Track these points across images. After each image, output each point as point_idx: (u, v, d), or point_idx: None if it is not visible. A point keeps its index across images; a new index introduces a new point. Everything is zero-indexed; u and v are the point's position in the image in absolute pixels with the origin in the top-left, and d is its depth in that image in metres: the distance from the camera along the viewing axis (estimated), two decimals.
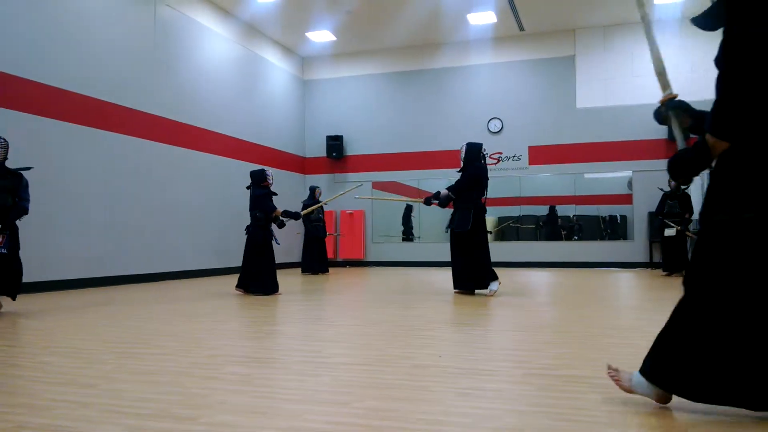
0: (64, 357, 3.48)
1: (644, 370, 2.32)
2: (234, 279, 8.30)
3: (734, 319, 2.11)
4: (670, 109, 2.62)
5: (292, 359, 3.43)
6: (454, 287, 7.10)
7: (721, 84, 2.21)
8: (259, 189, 7.38)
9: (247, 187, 7.55)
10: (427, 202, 7.34)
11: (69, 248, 8.37)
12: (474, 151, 7.11)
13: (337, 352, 3.60)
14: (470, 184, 6.96)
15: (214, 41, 12.00)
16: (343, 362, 3.30)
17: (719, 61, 2.22)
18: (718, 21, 2.27)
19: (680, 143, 2.49)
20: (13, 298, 5.74)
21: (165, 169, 10.40)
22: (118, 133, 9.40)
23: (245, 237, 7.46)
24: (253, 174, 7.52)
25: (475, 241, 6.84)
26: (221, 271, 11.59)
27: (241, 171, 12.17)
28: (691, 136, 2.53)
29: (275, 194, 7.56)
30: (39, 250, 7.87)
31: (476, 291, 6.99)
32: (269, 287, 7.21)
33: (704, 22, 2.36)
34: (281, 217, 7.37)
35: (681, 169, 2.39)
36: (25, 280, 7.58)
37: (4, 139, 5.57)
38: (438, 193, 7.21)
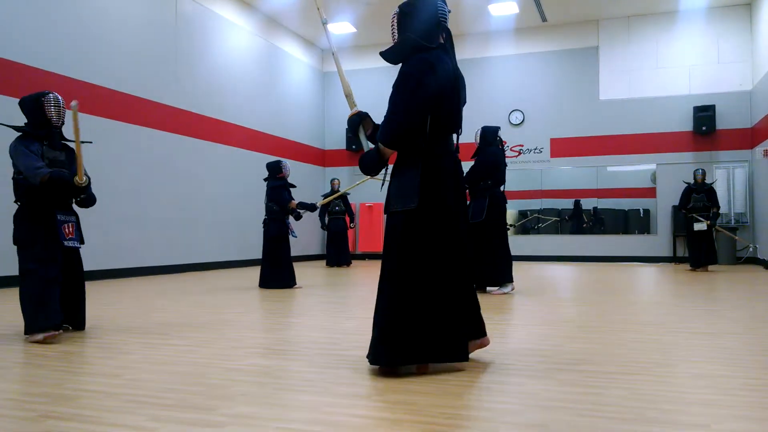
0: (88, 347, 3.53)
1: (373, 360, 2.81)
2: (256, 271, 8.33)
3: (425, 285, 2.77)
4: (357, 120, 3.10)
5: (312, 351, 3.43)
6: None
7: (389, 105, 2.83)
8: (276, 180, 7.35)
9: (265, 179, 7.53)
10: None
11: (92, 240, 8.47)
12: (490, 134, 6.63)
13: (357, 345, 3.60)
14: (485, 171, 6.44)
15: (235, 34, 12.04)
16: (363, 355, 3.29)
17: (393, 87, 2.83)
18: (398, 58, 2.91)
19: (365, 146, 3.05)
20: (82, 328, 4.13)
21: (187, 162, 10.47)
22: (140, 125, 9.48)
23: (263, 231, 7.43)
24: (269, 165, 7.49)
25: (490, 234, 6.30)
26: (242, 263, 11.66)
27: (261, 163, 12.18)
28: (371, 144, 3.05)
29: (293, 186, 7.52)
30: None
31: (487, 289, 6.39)
32: (286, 281, 7.18)
33: (390, 57, 2.94)
34: (297, 209, 7.31)
35: (366, 166, 2.94)
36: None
37: (57, 96, 4.07)
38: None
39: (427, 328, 2.76)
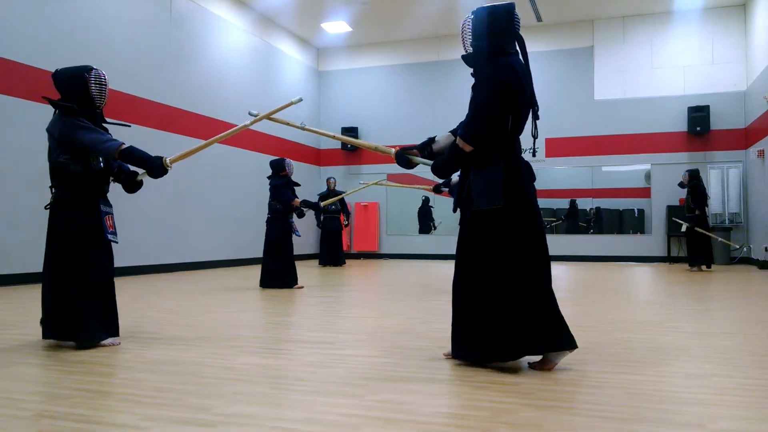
0: (82, 347, 3.51)
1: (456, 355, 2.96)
2: (251, 270, 8.31)
3: (506, 284, 2.80)
4: (404, 155, 3.34)
5: (306, 351, 3.43)
6: None
7: (471, 106, 2.91)
8: (278, 179, 7.26)
9: (268, 177, 7.46)
10: (437, 189, 6.92)
11: None
12: None
13: (351, 344, 3.60)
14: None
15: (230, 32, 12.01)
16: (357, 354, 3.29)
17: (473, 89, 2.93)
18: (479, 62, 2.95)
19: (427, 162, 3.25)
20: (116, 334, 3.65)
21: (181, 161, 10.42)
22: (135, 124, 9.45)
23: (265, 229, 7.33)
24: (272, 163, 7.40)
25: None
26: (239, 262, 11.64)
27: (257, 162, 12.20)
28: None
29: (298, 184, 7.46)
30: None
31: None
32: (286, 280, 7.12)
33: (472, 61, 3.00)
34: (300, 207, 7.24)
35: (445, 168, 3.10)
36: (38, 269, 7.68)
37: (102, 74, 3.79)
38: (448, 181, 6.58)
39: (513, 325, 2.79)
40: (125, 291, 6.89)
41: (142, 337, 3.80)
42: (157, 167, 3.64)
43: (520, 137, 3.16)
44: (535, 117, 3.05)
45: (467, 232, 2.96)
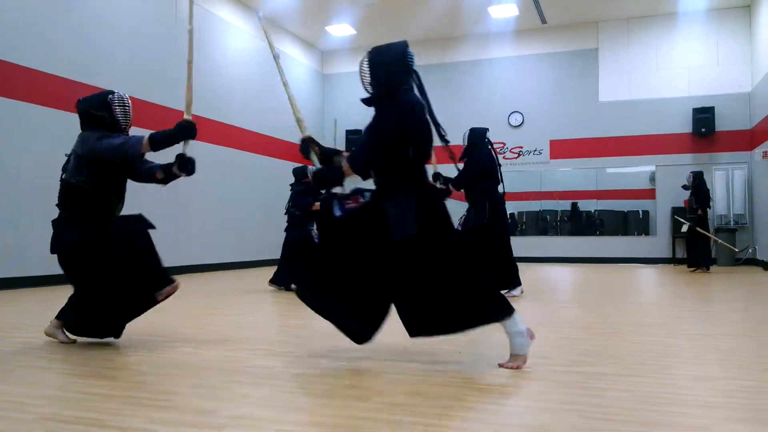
0: (89, 349, 3.52)
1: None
2: (256, 272, 8.32)
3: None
4: (307, 145, 3.44)
5: (314, 353, 3.43)
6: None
7: (366, 138, 3.10)
8: (300, 185, 7.22)
9: (291, 185, 7.45)
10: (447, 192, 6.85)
11: None
12: (478, 135, 6.44)
13: (357, 347, 3.60)
14: (477, 176, 6.26)
15: (235, 36, 12.05)
16: (363, 356, 3.30)
17: (371, 124, 3.11)
18: (377, 101, 3.12)
19: (317, 164, 3.37)
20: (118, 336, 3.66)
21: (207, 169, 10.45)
22: (140, 127, 9.47)
23: (272, 233, 7.33)
24: (295, 171, 7.40)
25: (492, 238, 6.17)
26: (243, 264, 11.65)
27: (262, 165, 12.23)
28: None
29: (321, 192, 7.45)
30: None
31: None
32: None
33: (370, 102, 3.17)
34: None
35: (324, 182, 3.33)
36: (45, 272, 7.72)
37: (125, 96, 3.95)
38: (448, 189, 6.32)
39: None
40: None
41: (148, 340, 3.81)
42: (188, 129, 3.65)
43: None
44: (444, 142, 3.23)
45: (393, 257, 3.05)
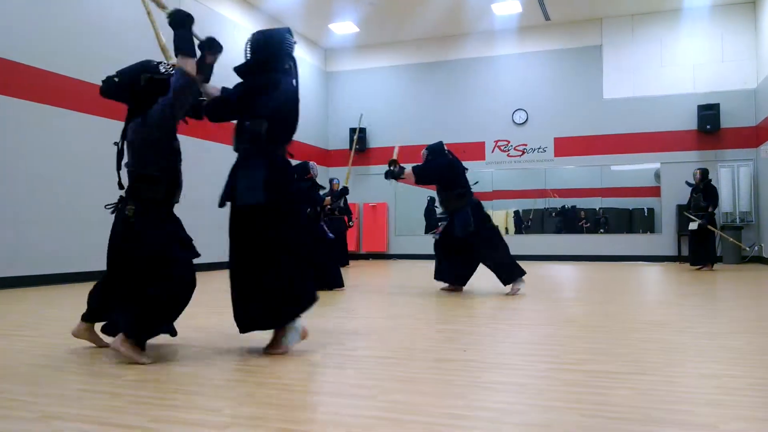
0: (92, 347, 3.52)
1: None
2: None
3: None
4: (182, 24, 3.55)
5: (316, 352, 3.43)
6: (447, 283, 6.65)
7: (231, 90, 3.55)
8: (305, 182, 7.15)
9: None
10: (388, 174, 6.70)
11: (95, 239, 8.48)
12: (437, 149, 6.60)
13: (360, 345, 3.60)
14: (439, 172, 6.46)
15: (238, 34, 12.04)
16: (366, 355, 3.29)
17: (241, 85, 3.53)
18: (250, 72, 3.62)
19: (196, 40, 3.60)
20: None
21: (192, 162, 10.44)
22: None
23: None
24: (296, 168, 7.33)
25: (486, 240, 6.30)
26: None
27: None
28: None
29: (322, 187, 7.43)
30: (65, 242, 8.01)
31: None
32: (331, 281, 6.98)
33: (243, 69, 3.60)
34: (333, 204, 7.22)
35: (182, 39, 3.53)
36: (48, 271, 7.74)
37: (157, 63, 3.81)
38: (402, 169, 6.61)
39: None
40: None
41: (151, 339, 3.81)
42: (181, 19, 3.60)
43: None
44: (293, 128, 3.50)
45: (234, 226, 3.37)
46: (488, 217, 6.54)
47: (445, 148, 6.67)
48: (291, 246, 3.27)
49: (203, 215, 10.77)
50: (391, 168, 6.65)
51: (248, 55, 3.54)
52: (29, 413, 2.23)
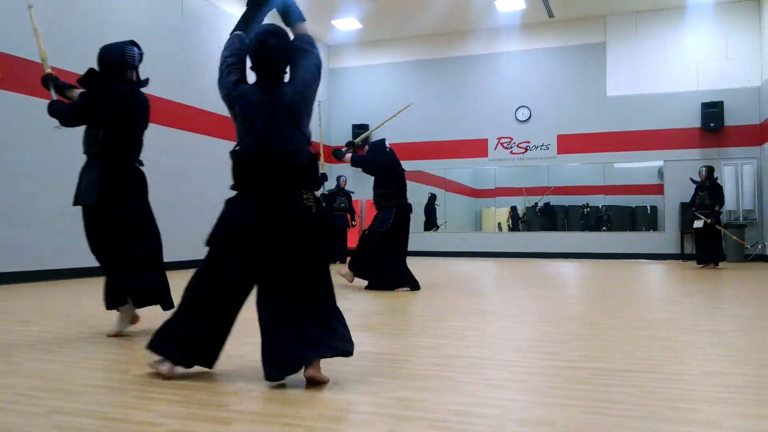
0: (98, 343, 3.54)
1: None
2: None
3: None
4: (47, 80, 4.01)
5: None
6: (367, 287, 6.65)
7: (74, 104, 3.90)
8: None
9: None
10: (336, 153, 6.90)
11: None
12: (377, 146, 6.68)
13: (363, 341, 3.60)
14: (369, 165, 6.64)
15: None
16: (369, 351, 3.30)
17: (81, 96, 3.89)
18: (85, 85, 3.93)
19: (54, 97, 3.91)
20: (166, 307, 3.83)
21: (194, 158, 10.49)
22: (152, 123, 9.49)
23: None
24: None
25: (394, 242, 6.45)
26: None
27: None
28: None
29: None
30: (69, 237, 8.02)
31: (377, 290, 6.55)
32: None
33: (83, 81, 3.93)
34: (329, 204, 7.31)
35: (51, 110, 3.81)
36: (53, 266, 7.76)
37: (137, 48, 3.98)
38: (344, 153, 6.83)
39: None
40: None
41: None
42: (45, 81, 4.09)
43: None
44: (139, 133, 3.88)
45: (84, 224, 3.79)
46: (404, 225, 6.60)
47: (387, 146, 6.76)
48: (119, 242, 3.72)
49: (214, 212, 10.81)
50: (341, 149, 6.93)
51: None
52: (35, 408, 2.24)
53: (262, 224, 2.62)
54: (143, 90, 3.91)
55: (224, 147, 11.24)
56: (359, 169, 7.07)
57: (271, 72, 2.76)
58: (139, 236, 3.81)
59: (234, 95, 2.75)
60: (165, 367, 2.62)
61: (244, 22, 3.03)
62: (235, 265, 2.65)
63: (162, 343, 2.64)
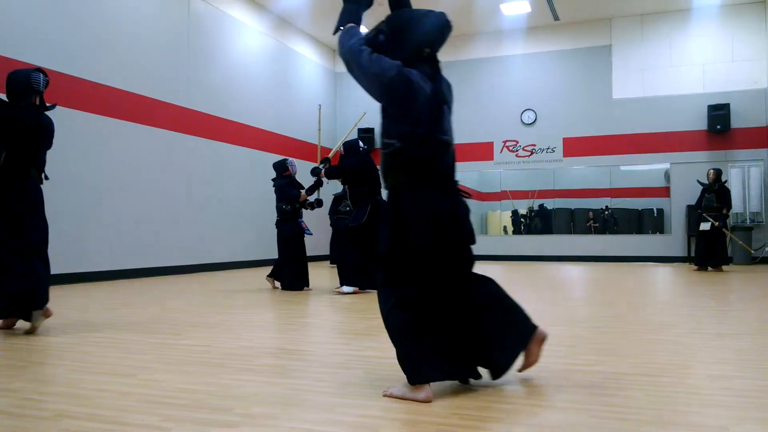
0: (104, 347, 3.55)
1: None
2: (268, 271, 8.33)
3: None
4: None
5: (324, 352, 3.44)
6: (341, 284, 6.66)
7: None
8: (282, 179, 7.38)
9: (273, 179, 7.54)
10: (313, 171, 7.11)
11: (104, 240, 8.54)
12: (351, 147, 6.80)
13: (369, 346, 3.60)
14: (347, 173, 6.66)
15: (247, 34, 12.08)
16: (375, 356, 3.29)
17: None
18: None
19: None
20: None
21: (199, 162, 10.52)
22: (153, 126, 9.54)
23: (276, 232, 7.43)
24: (275, 165, 7.52)
25: (367, 238, 6.38)
26: (257, 263, 11.70)
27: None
28: None
29: (302, 186, 7.53)
30: (76, 242, 8.06)
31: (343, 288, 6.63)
32: (296, 283, 7.13)
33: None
34: (308, 199, 7.35)
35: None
36: (62, 271, 7.79)
37: (43, 75, 4.22)
38: (326, 166, 6.98)
39: None
40: (143, 293, 6.95)
41: (161, 339, 3.83)
42: None
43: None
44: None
45: None
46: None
47: (361, 145, 6.89)
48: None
49: (230, 213, 10.85)
50: (318, 166, 7.13)
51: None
52: (42, 412, 2.25)
53: (455, 217, 2.55)
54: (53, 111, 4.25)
55: (228, 150, 11.28)
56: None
57: (437, 60, 2.65)
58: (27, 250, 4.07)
59: (407, 78, 2.50)
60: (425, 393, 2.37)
61: (349, 15, 2.73)
62: (444, 264, 2.51)
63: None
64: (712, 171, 10.49)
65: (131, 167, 9.00)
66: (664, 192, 13.46)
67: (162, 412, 2.24)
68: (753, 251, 11.81)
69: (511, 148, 14.23)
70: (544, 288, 7.05)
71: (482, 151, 14.25)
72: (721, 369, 2.92)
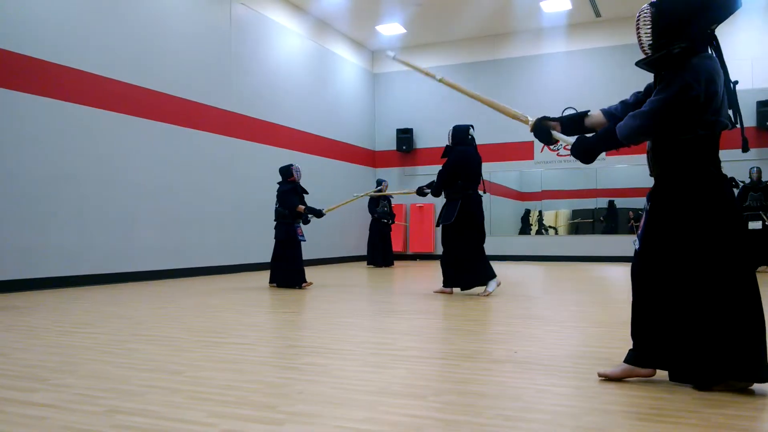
0: (152, 344, 3.64)
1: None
2: (310, 272, 8.41)
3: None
4: (543, 126, 2.96)
5: (367, 351, 3.46)
6: (444, 286, 6.43)
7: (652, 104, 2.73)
8: (286, 184, 7.53)
9: (278, 183, 7.67)
10: (420, 192, 7.11)
11: (148, 241, 8.75)
12: (460, 133, 6.36)
13: (411, 345, 3.61)
14: (452, 172, 6.25)
15: (287, 37, 12.23)
16: (417, 355, 3.30)
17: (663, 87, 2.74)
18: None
19: (565, 139, 2.88)
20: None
21: (242, 164, 10.69)
22: (196, 129, 9.73)
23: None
24: (281, 170, 7.69)
25: (460, 236, 6.17)
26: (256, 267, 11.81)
27: (313, 165, 12.36)
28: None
29: (306, 192, 7.63)
30: (121, 242, 8.29)
31: (464, 290, 6.37)
32: (294, 280, 7.29)
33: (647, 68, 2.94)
34: (305, 213, 7.45)
35: (587, 154, 2.76)
36: (108, 270, 8.02)
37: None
38: (432, 182, 6.66)
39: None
40: (187, 292, 7.09)
41: (207, 337, 3.91)
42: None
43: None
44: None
45: None
46: (473, 216, 6.26)
47: (470, 133, 6.43)
48: None
49: (254, 213, 11.01)
50: (419, 193, 7.42)
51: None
52: (95, 407, 2.33)
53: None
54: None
55: (270, 153, 11.42)
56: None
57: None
58: None
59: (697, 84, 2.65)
60: None
61: (585, 141, 2.80)
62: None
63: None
64: (756, 169, 10.18)
65: (173, 169, 9.21)
66: None
67: (208, 408, 2.29)
68: None
69: (551, 147, 14.04)
70: (586, 289, 6.93)
71: (521, 151, 14.10)
72: None
